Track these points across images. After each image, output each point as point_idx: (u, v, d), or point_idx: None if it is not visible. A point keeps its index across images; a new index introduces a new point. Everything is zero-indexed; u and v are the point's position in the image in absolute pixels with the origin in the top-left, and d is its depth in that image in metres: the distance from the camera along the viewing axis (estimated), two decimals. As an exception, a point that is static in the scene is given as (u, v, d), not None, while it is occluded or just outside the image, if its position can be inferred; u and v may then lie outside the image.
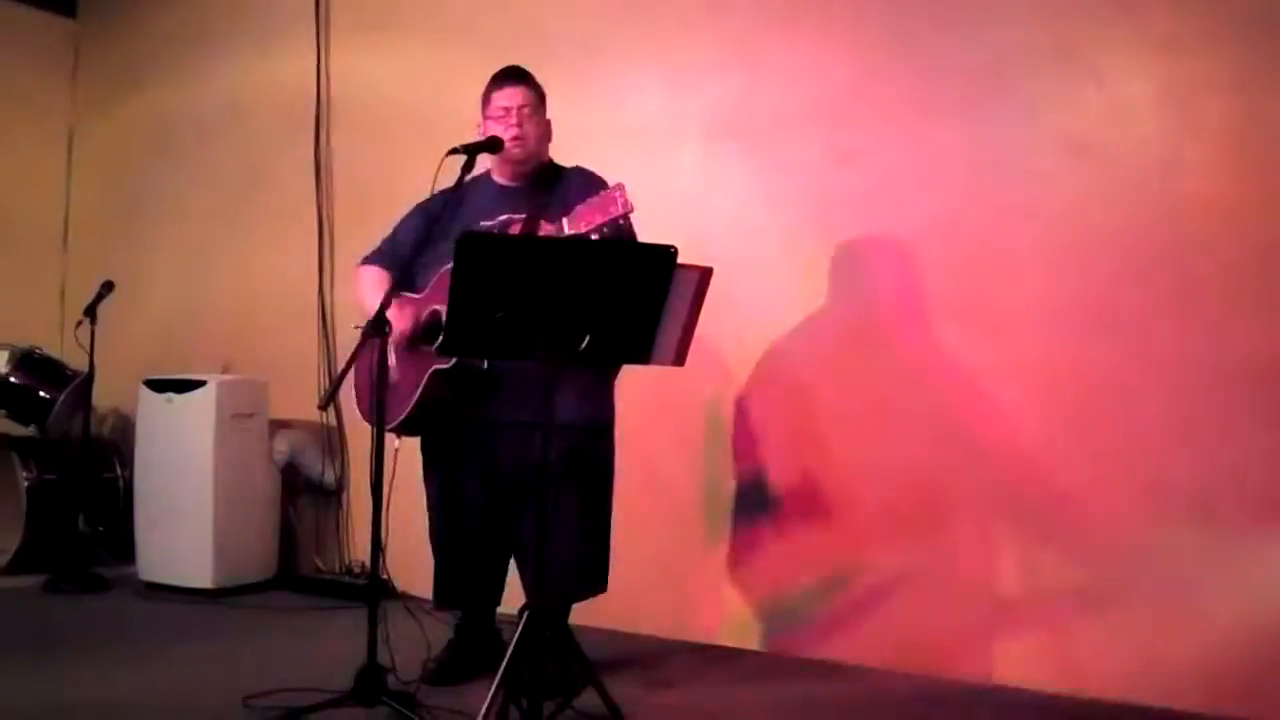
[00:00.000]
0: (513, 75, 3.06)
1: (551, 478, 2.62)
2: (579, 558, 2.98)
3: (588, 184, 2.93)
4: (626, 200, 2.48)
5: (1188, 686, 2.89)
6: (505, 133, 2.98)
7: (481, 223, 2.97)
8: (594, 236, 2.53)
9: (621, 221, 2.55)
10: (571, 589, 3.01)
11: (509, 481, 2.98)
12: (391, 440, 2.92)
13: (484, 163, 3.06)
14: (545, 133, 3.08)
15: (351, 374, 2.89)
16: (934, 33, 3.38)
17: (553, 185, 3.03)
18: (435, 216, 2.84)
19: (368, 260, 3.21)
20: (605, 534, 3.07)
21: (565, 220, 2.58)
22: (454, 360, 2.83)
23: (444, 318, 2.44)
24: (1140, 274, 3.06)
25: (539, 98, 3.06)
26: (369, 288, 3.11)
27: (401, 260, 2.99)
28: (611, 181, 2.65)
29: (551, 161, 3.13)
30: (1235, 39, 2.96)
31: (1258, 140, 2.94)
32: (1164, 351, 3.01)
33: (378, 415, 2.68)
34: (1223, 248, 2.96)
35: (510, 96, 3.02)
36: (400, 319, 2.90)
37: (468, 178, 2.85)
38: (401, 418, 2.95)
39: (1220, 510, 2.92)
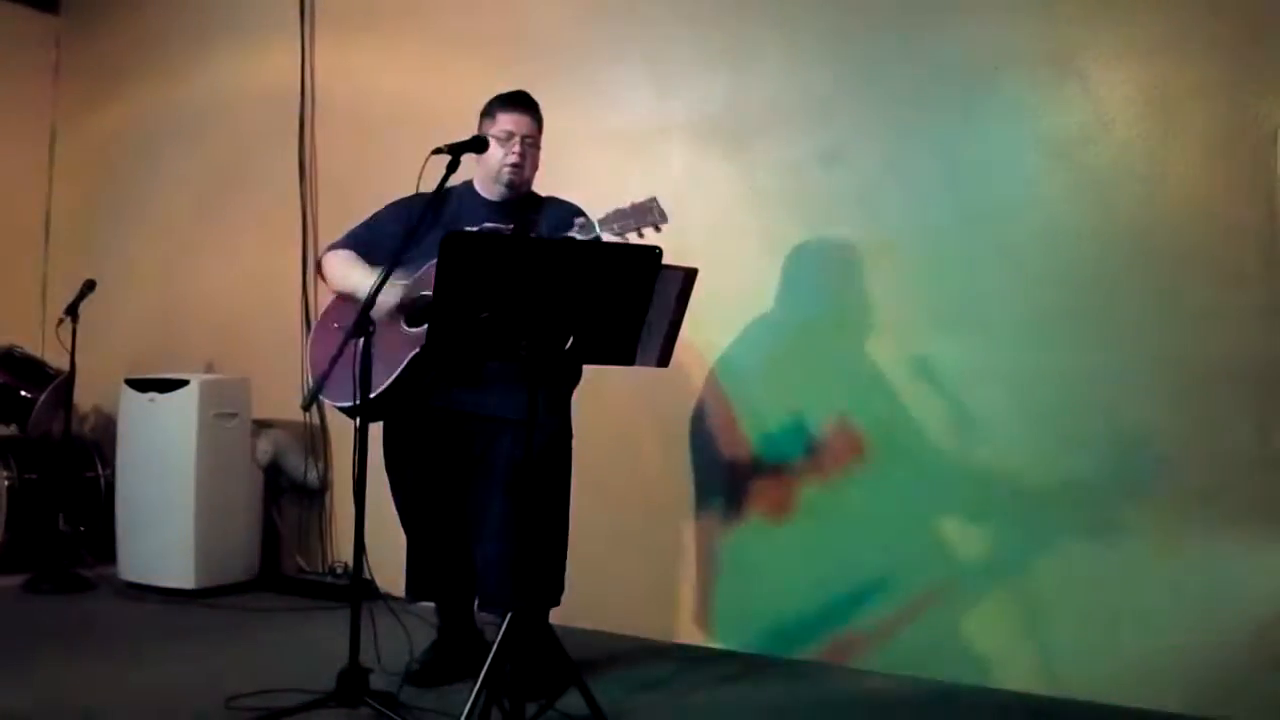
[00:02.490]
0: (525, 102, 3.04)
1: (528, 475, 2.61)
2: (539, 564, 2.93)
3: (563, 210, 2.97)
4: (662, 210, 2.65)
5: (1168, 688, 2.91)
6: (505, 158, 2.99)
7: (466, 229, 2.95)
8: (619, 236, 2.65)
9: (655, 229, 2.65)
10: (529, 594, 2.97)
11: (473, 475, 2.97)
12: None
13: (468, 171, 3.04)
14: (537, 163, 3.09)
15: (310, 352, 2.94)
16: (919, 35, 3.39)
17: (535, 209, 3.05)
18: (417, 216, 2.75)
19: (338, 245, 3.16)
20: (563, 542, 3.03)
21: (598, 222, 2.69)
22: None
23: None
24: (1123, 277, 3.07)
25: (541, 128, 3.06)
26: (343, 265, 3.05)
27: (380, 248, 2.91)
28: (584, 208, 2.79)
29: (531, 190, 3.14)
30: (1219, 44, 2.98)
31: (1241, 145, 2.95)
32: (1148, 354, 3.03)
33: (362, 415, 2.67)
34: (1206, 252, 2.97)
35: (519, 123, 3.00)
36: (387, 293, 2.83)
37: (450, 183, 2.83)
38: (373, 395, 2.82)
39: (1203, 510, 2.93)
